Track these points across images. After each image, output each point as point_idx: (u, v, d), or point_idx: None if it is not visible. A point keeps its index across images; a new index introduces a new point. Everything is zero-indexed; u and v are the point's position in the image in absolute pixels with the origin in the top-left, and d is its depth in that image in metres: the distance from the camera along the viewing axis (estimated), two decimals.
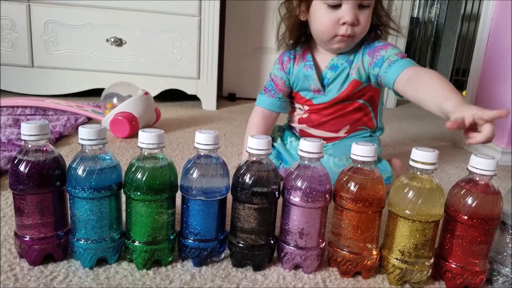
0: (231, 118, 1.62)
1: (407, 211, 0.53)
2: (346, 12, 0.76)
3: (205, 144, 0.53)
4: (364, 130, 0.92)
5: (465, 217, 0.53)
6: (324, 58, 0.87)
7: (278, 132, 0.98)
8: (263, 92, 0.96)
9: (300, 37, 0.90)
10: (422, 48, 4.14)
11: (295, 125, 0.96)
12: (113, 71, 1.69)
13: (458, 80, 3.55)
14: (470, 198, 0.53)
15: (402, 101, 2.37)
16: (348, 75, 0.85)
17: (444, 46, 3.87)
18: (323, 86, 0.87)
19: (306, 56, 0.88)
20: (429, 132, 1.65)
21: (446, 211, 0.56)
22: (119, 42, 1.66)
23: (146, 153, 0.52)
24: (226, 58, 2.06)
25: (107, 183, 0.52)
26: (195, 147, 0.54)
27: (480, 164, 0.53)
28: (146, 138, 0.51)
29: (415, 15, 4.15)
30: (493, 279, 0.57)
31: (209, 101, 1.79)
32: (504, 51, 1.26)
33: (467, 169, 0.54)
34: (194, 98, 1.81)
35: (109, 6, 1.62)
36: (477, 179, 0.54)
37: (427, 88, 0.70)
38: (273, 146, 0.94)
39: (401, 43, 2.20)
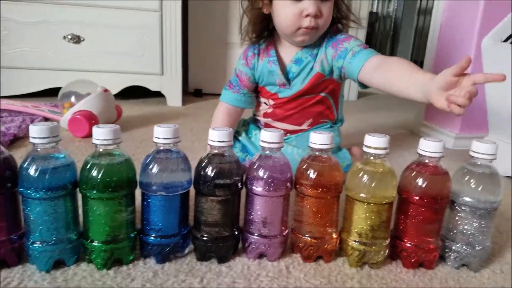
0: (197, 114, 1.60)
1: (362, 194, 0.55)
2: (309, 4, 0.77)
3: (164, 138, 0.52)
4: (326, 123, 0.95)
5: (417, 198, 0.56)
6: (289, 52, 0.88)
7: (243, 126, 0.99)
8: (227, 87, 0.95)
9: (263, 31, 0.90)
10: (381, 41, 4.27)
11: (260, 118, 0.97)
12: (72, 69, 1.63)
13: None
14: (421, 179, 0.56)
15: (363, 93, 2.43)
16: (312, 68, 0.86)
17: (402, 40, 4.01)
18: (288, 80, 0.88)
19: (270, 51, 0.89)
20: (388, 121, 1.71)
21: (399, 193, 0.58)
22: (76, 39, 1.61)
23: (101, 150, 0.51)
24: (191, 53, 2.04)
25: (61, 182, 0.50)
26: (153, 141, 0.53)
27: (428, 147, 0.56)
28: (101, 134, 0.50)
29: (374, 10, 4.27)
30: (445, 256, 0.60)
31: (174, 97, 1.76)
32: (455, 42, 1.33)
33: (417, 152, 0.57)
34: (159, 95, 1.78)
35: (66, 2, 1.56)
36: (426, 161, 0.57)
37: (397, 71, 0.71)
38: (238, 139, 0.95)
39: (362, 36, 2.25)
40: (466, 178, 0.58)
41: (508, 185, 0.98)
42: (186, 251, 0.58)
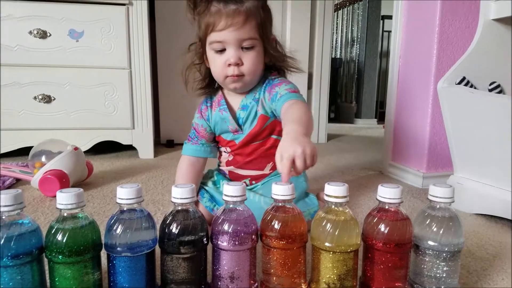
0: (169, 165, 1.61)
1: (327, 244, 0.56)
2: (230, 55, 0.84)
3: (127, 199, 0.53)
4: None
5: (380, 244, 0.57)
6: (236, 100, 0.94)
7: (211, 177, 1.01)
8: (187, 141, 1.01)
9: (213, 83, 0.97)
10: (347, 85, 4.47)
11: (224, 168, 1.00)
12: (43, 128, 1.63)
13: (383, 112, 3.84)
14: (382, 225, 0.58)
15: (332, 136, 2.51)
16: (256, 111, 0.92)
17: (367, 82, 4.20)
18: (239, 125, 0.94)
19: (220, 101, 0.95)
20: (357, 163, 1.76)
21: (364, 240, 0.60)
22: (47, 99, 1.62)
23: (65, 214, 0.52)
24: (161, 105, 2.08)
25: (27, 248, 0.50)
26: (117, 202, 0.54)
27: (386, 194, 0.58)
28: (64, 198, 0.51)
29: (338, 56, 4.50)
30: None
31: (146, 149, 1.78)
32: (413, 84, 1.41)
33: (377, 199, 0.60)
34: (131, 147, 1.79)
35: (36, 64, 1.59)
36: (386, 207, 0.59)
37: (284, 118, 0.79)
38: (206, 190, 0.96)
39: (326, 80, 2.37)
40: (427, 222, 0.60)
41: (474, 223, 1.01)
42: None
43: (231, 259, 0.56)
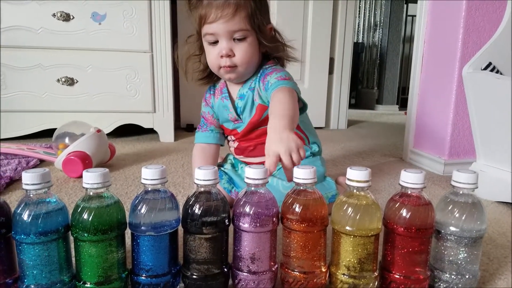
0: (189, 148, 1.63)
1: (347, 227, 0.56)
2: (222, 46, 0.85)
3: (151, 179, 0.54)
4: None
5: (402, 229, 0.57)
6: (234, 89, 0.96)
7: (229, 160, 1.04)
8: (197, 130, 1.03)
9: (211, 74, 0.98)
10: (369, 70, 4.38)
11: (236, 157, 1.02)
12: (66, 111, 1.67)
13: (405, 98, 3.77)
14: (404, 210, 0.57)
15: (353, 122, 2.48)
16: (253, 101, 0.92)
17: (389, 67, 4.12)
18: (238, 114, 0.95)
19: (223, 89, 0.97)
20: (378, 149, 1.74)
21: (385, 225, 0.59)
22: (70, 82, 1.65)
23: (91, 193, 0.53)
24: (182, 90, 2.09)
25: (53, 226, 0.52)
26: (142, 183, 0.55)
27: (409, 179, 0.57)
28: (90, 178, 0.52)
29: (360, 40, 4.41)
30: (435, 286, 0.61)
31: (166, 133, 1.80)
32: (438, 70, 1.38)
33: (399, 183, 0.59)
34: (152, 131, 1.82)
35: (59, 47, 1.62)
36: (409, 192, 0.59)
37: (270, 109, 0.80)
38: (225, 172, 0.98)
39: (347, 65, 2.33)
40: (450, 208, 0.59)
41: (496, 210, 0.99)
42: None
43: (252, 241, 0.57)
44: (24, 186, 0.51)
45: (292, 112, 0.76)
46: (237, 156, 1.01)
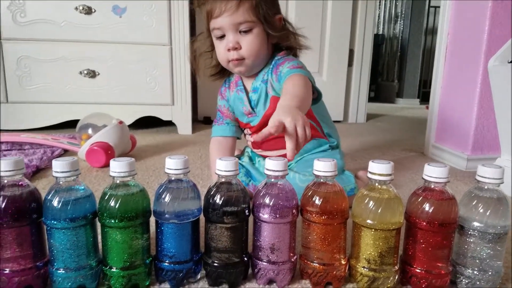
0: (206, 141, 1.63)
1: (369, 221, 0.56)
2: (228, 40, 0.86)
3: (175, 169, 0.55)
4: (315, 139, 0.97)
5: (424, 223, 0.57)
6: (248, 83, 0.96)
7: (247, 152, 1.04)
8: (214, 124, 1.04)
9: (224, 69, 0.98)
10: (389, 62, 4.31)
11: (254, 150, 1.03)
12: (88, 102, 1.71)
13: (426, 92, 3.70)
14: (427, 204, 0.57)
15: (372, 115, 2.46)
16: (266, 93, 0.92)
17: (410, 60, 4.04)
18: (252, 108, 0.95)
19: (238, 81, 0.97)
20: (398, 144, 1.72)
21: (407, 219, 0.59)
22: (92, 74, 1.68)
23: (118, 181, 0.55)
24: (200, 83, 2.11)
25: (82, 212, 0.53)
26: (165, 172, 0.56)
27: (433, 173, 0.57)
28: (117, 167, 0.53)
29: (380, 32, 4.33)
30: (457, 281, 0.60)
31: (184, 125, 1.82)
32: (461, 63, 1.35)
33: (422, 177, 0.58)
34: (170, 123, 1.84)
35: (81, 40, 1.65)
36: (432, 186, 0.58)
37: (282, 90, 0.79)
38: (242, 165, 0.99)
39: (367, 57, 2.30)
40: (474, 203, 0.58)
41: None
42: (198, 276, 0.60)
43: (272, 231, 0.57)
44: (54, 174, 0.53)
45: (304, 95, 0.75)
46: (254, 150, 1.01)
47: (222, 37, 0.87)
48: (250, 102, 0.95)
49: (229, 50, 0.86)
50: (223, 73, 1.00)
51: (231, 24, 0.84)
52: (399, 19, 4.10)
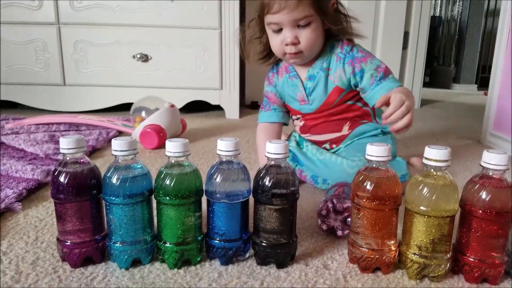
0: (253, 125, 1.64)
1: (422, 207, 0.55)
2: (287, 34, 0.84)
3: (226, 151, 0.57)
4: (366, 123, 0.94)
5: (480, 211, 0.54)
6: (302, 70, 0.93)
7: (294, 137, 1.03)
8: (260, 110, 1.04)
9: (271, 53, 0.95)
10: (446, 46, 4.08)
11: (301, 135, 1.01)
12: (140, 86, 1.77)
13: (485, 77, 3.47)
14: (484, 192, 0.54)
15: (426, 101, 2.35)
16: (327, 82, 0.90)
17: (468, 44, 3.79)
18: (306, 95, 0.93)
19: (288, 67, 0.95)
20: (453, 131, 1.64)
21: (462, 206, 0.57)
22: (145, 58, 1.74)
23: (173, 161, 0.57)
24: (247, 68, 2.12)
25: (139, 190, 0.56)
26: (217, 153, 0.58)
27: (492, 160, 0.54)
28: (172, 147, 0.55)
29: (437, 14, 4.10)
30: (511, 272, 0.58)
31: (232, 110, 1.84)
32: None
33: (480, 164, 0.56)
34: (218, 108, 1.87)
35: (134, 24, 1.71)
36: (490, 174, 0.55)
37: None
38: (289, 150, 0.97)
39: (423, 40, 2.19)
40: None
41: None
42: (247, 255, 0.62)
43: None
44: (113, 152, 0.56)
45: (412, 103, 0.75)
46: (302, 135, 1.01)
47: (279, 30, 0.85)
48: (305, 89, 0.94)
49: (286, 44, 0.85)
50: (269, 56, 0.99)
51: (290, 21, 0.82)
52: (457, 0, 3.85)
